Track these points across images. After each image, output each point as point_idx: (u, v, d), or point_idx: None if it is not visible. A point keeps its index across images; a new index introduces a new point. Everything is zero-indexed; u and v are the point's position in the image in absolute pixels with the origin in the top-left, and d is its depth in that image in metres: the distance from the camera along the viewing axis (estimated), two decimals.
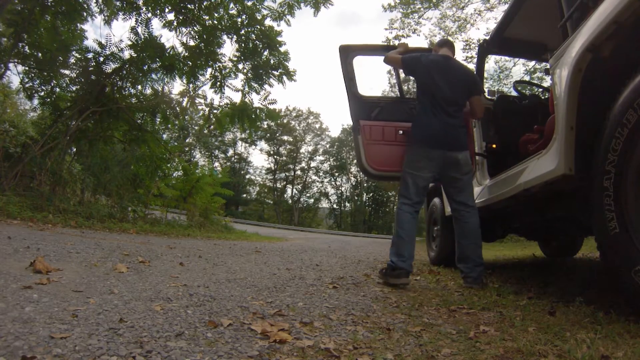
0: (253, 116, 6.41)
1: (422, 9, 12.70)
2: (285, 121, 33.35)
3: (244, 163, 34.41)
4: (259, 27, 6.04)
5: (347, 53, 2.91)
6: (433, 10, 13.01)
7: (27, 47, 5.60)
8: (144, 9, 5.78)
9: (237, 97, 15.31)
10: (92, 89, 5.73)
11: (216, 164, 31.78)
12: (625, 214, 1.32)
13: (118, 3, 5.85)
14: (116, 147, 7.03)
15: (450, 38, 3.06)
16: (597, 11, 1.50)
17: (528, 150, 2.50)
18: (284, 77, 6.30)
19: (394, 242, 2.39)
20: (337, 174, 34.52)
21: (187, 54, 6.12)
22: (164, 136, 8.59)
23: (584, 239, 4.10)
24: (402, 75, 3.00)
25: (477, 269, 2.38)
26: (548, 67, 2.03)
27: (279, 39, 6.07)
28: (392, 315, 1.57)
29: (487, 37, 3.32)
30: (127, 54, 5.91)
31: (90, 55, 5.73)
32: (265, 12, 6.00)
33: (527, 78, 12.79)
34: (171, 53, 5.95)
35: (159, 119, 6.66)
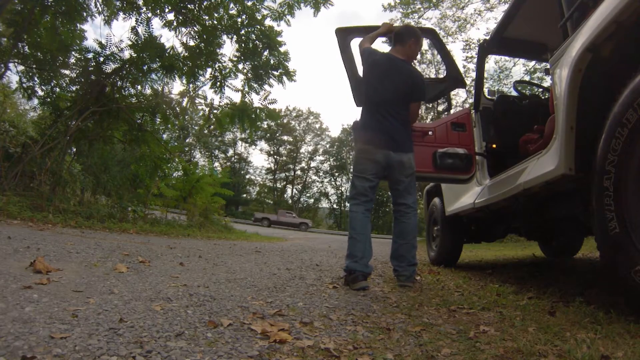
0: (253, 116, 6.42)
1: (422, 9, 12.74)
2: (285, 121, 33.40)
3: (244, 163, 34.45)
4: (259, 27, 6.04)
5: (345, 36, 2.81)
6: (433, 10, 13.04)
7: (27, 47, 5.61)
8: (144, 9, 5.78)
9: (237, 97, 15.31)
10: (92, 89, 5.73)
11: (216, 164, 31.83)
12: (625, 214, 1.32)
13: (118, 3, 5.85)
14: (116, 147, 7.03)
15: (412, 26, 2.75)
16: (597, 11, 1.50)
17: (528, 150, 2.50)
18: (284, 77, 6.31)
19: (348, 244, 2.35)
20: (337, 174, 34.54)
21: (187, 54, 6.12)
22: (164, 136, 8.59)
23: (584, 239, 4.10)
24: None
25: (410, 268, 2.36)
26: (548, 67, 2.04)
27: (279, 39, 6.07)
28: (392, 315, 1.57)
29: (487, 37, 3.32)
30: (127, 54, 5.92)
31: (90, 55, 5.73)
32: (265, 12, 6.01)
33: (527, 78, 12.81)
34: (171, 53, 5.95)
35: (159, 119, 6.66)
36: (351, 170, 2.63)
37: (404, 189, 2.44)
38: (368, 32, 2.74)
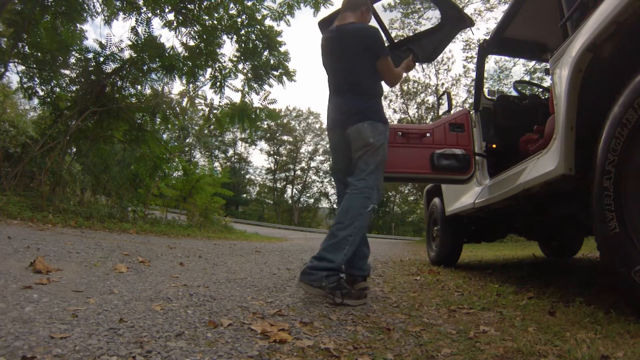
0: (253, 116, 6.43)
1: (422, 9, 12.73)
2: (285, 121, 33.36)
3: (244, 163, 34.42)
4: (259, 27, 6.05)
5: (328, 26, 2.52)
6: (433, 10, 13.01)
7: (27, 47, 5.61)
8: (144, 9, 5.79)
9: (237, 97, 15.32)
10: (92, 89, 5.73)
11: (216, 164, 31.83)
12: (625, 214, 1.32)
13: (118, 3, 5.86)
14: (116, 147, 7.03)
15: None
16: (597, 11, 1.49)
17: (528, 150, 2.50)
18: (284, 77, 6.32)
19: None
20: None
21: (187, 54, 6.12)
22: (164, 136, 8.59)
23: (584, 239, 4.10)
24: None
25: (314, 264, 1.79)
26: (548, 67, 2.04)
27: (279, 39, 6.08)
28: (392, 315, 1.57)
29: (487, 37, 3.32)
30: (127, 54, 5.93)
31: (90, 55, 5.74)
32: (265, 12, 6.01)
33: (527, 78, 12.83)
34: (171, 53, 5.96)
35: (159, 119, 6.67)
36: None
37: (355, 166, 2.02)
38: None
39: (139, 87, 6.31)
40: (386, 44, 2.42)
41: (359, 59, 2.05)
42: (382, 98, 2.30)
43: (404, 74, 2.26)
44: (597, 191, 1.43)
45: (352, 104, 2.05)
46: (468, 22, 2.51)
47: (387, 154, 2.10)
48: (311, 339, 1.21)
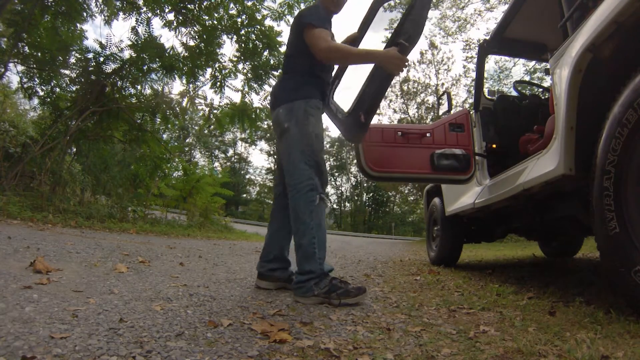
0: (253, 116, 6.43)
1: None
2: None
3: (244, 163, 34.45)
4: (259, 27, 6.05)
5: None
6: (433, 10, 13.07)
7: (27, 47, 5.61)
8: (144, 9, 5.79)
9: (237, 97, 15.32)
10: (92, 89, 5.73)
11: (216, 164, 31.86)
12: (625, 214, 1.32)
13: (118, 3, 5.86)
14: (116, 147, 7.04)
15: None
16: (597, 11, 1.50)
17: (528, 150, 2.50)
18: None
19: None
20: (337, 174, 34.54)
21: (187, 54, 6.13)
22: (164, 136, 8.62)
23: (584, 239, 4.10)
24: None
25: (300, 278, 1.78)
26: (548, 67, 2.04)
27: (279, 39, 6.09)
28: (392, 315, 1.57)
29: (487, 37, 3.32)
30: (127, 54, 5.93)
31: (90, 55, 5.74)
32: (265, 12, 6.02)
33: (527, 78, 12.85)
34: (171, 53, 5.96)
35: (159, 119, 6.67)
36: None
37: (281, 159, 1.89)
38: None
39: (139, 87, 6.31)
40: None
41: (293, 39, 1.93)
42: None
43: (397, 74, 1.93)
44: (597, 191, 1.43)
45: (276, 88, 1.96)
46: None
47: (313, 129, 1.83)
48: (311, 339, 1.21)
